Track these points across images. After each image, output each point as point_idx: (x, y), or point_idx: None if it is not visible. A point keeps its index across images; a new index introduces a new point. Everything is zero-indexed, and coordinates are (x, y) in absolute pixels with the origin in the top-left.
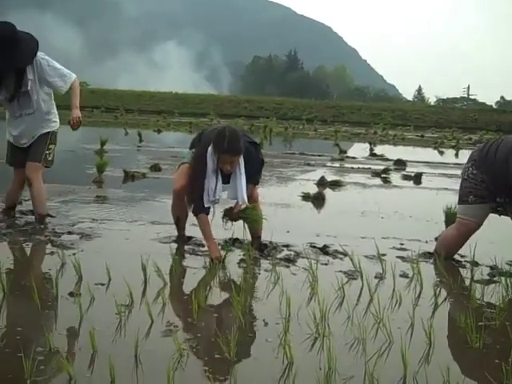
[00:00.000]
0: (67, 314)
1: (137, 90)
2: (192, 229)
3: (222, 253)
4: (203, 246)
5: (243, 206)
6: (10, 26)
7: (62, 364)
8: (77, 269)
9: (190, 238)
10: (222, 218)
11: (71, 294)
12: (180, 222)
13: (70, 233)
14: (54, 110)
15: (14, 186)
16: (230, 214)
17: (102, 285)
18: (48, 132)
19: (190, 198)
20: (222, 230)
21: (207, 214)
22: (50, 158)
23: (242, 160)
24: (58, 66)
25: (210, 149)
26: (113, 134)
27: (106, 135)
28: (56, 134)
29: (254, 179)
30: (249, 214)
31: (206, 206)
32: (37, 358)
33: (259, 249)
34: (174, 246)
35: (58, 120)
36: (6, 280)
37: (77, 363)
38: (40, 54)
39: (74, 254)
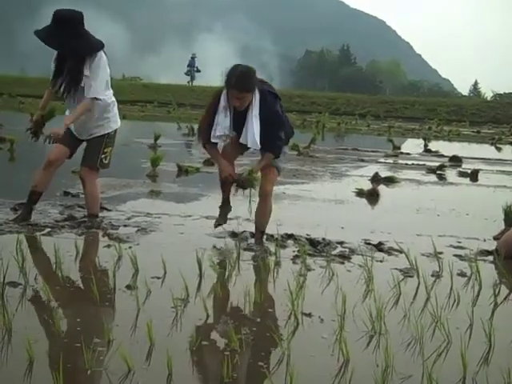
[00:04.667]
0: (124, 306)
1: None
2: (246, 224)
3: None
4: (263, 243)
5: (246, 172)
6: (80, 13)
7: (121, 355)
8: (133, 262)
9: (230, 206)
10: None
11: (128, 287)
12: (226, 185)
13: (125, 226)
14: (113, 111)
15: (46, 170)
16: (239, 181)
17: (158, 278)
18: (104, 134)
19: (199, 131)
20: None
21: (215, 148)
22: (106, 162)
23: (256, 103)
24: (100, 74)
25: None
26: (166, 129)
27: (159, 129)
28: (113, 135)
29: (271, 144)
30: (254, 178)
31: (212, 140)
32: (96, 348)
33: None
34: (230, 240)
35: (117, 120)
36: (65, 272)
37: (135, 355)
38: (101, 54)
39: (130, 248)
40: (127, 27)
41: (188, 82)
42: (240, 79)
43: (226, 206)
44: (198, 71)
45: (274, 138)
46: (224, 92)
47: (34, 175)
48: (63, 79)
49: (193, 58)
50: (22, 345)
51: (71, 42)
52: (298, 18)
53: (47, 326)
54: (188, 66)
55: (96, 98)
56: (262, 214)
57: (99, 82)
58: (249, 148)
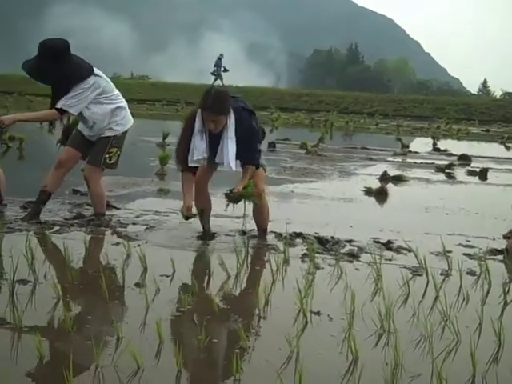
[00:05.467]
0: (134, 304)
1: (197, 83)
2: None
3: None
4: (267, 240)
5: (241, 186)
6: (63, 42)
7: (130, 353)
8: (142, 260)
9: (214, 234)
10: (225, 198)
11: (137, 285)
12: (204, 215)
13: (134, 224)
14: (121, 115)
15: (57, 171)
16: (230, 196)
17: (167, 276)
18: (109, 136)
19: (176, 155)
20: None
21: (192, 171)
22: (110, 162)
23: (231, 124)
24: (77, 92)
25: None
26: (174, 127)
27: (168, 128)
28: (120, 137)
29: (250, 157)
30: (250, 191)
31: (190, 165)
32: (106, 346)
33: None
34: (238, 239)
35: (126, 123)
36: (74, 270)
37: (144, 352)
38: (87, 81)
39: (138, 246)
40: (133, 26)
41: (212, 84)
42: (215, 102)
43: (207, 236)
44: (226, 70)
45: (252, 151)
46: (198, 114)
47: (46, 176)
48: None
49: (219, 59)
50: (32, 342)
51: (57, 75)
52: (306, 15)
53: (57, 323)
54: (215, 66)
55: (61, 110)
56: (260, 213)
57: (71, 97)
58: (217, 166)
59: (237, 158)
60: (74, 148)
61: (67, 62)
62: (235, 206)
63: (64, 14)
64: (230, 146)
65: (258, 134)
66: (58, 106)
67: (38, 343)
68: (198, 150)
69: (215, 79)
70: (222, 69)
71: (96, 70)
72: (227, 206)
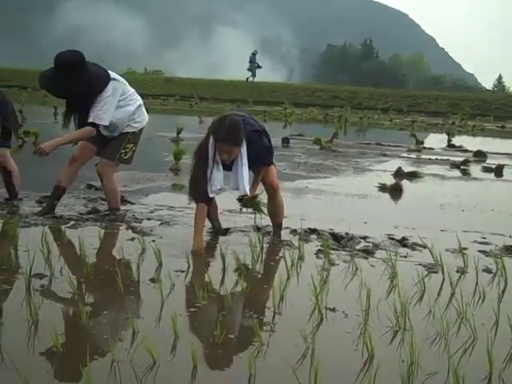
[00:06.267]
0: (149, 299)
1: (210, 78)
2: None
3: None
4: (281, 236)
5: (254, 191)
6: (78, 55)
7: (146, 348)
8: (157, 255)
9: (227, 229)
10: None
11: (152, 280)
12: (210, 213)
13: (149, 219)
14: (138, 113)
15: (71, 166)
16: (243, 201)
17: (182, 272)
18: (127, 132)
19: (194, 188)
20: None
21: (207, 203)
22: (125, 157)
23: (244, 150)
24: (105, 102)
25: (211, 138)
26: (188, 122)
27: (182, 123)
28: (137, 133)
29: (263, 162)
30: (259, 203)
31: (210, 195)
32: (122, 340)
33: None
34: (253, 234)
35: (141, 120)
36: (90, 264)
37: (160, 347)
38: (110, 86)
39: (153, 241)
40: (146, 21)
41: (247, 79)
42: (230, 132)
43: (219, 231)
44: (259, 67)
45: (265, 160)
46: (211, 144)
47: (60, 171)
48: (74, 115)
49: (254, 54)
50: (49, 336)
51: (75, 88)
52: (319, 10)
53: (73, 317)
54: (249, 62)
55: (94, 124)
56: (276, 209)
57: (99, 109)
58: None
59: (250, 168)
60: (89, 142)
61: (84, 73)
62: (248, 210)
63: (76, 10)
64: (244, 173)
65: (269, 149)
66: (90, 120)
67: (55, 337)
68: (217, 179)
69: (252, 75)
70: (256, 65)
71: (112, 74)
72: (241, 209)
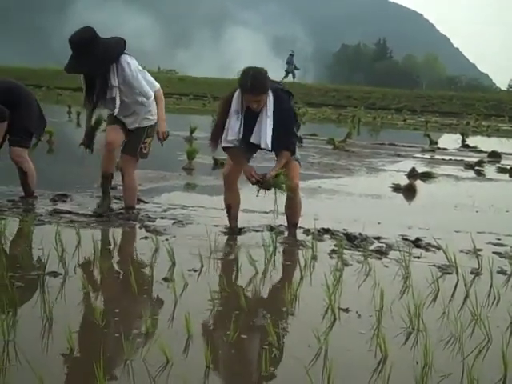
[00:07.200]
0: (162, 298)
1: (222, 77)
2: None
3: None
4: (296, 236)
5: (274, 173)
6: (89, 30)
7: (159, 347)
8: (170, 254)
9: (241, 229)
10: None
11: (165, 279)
12: (232, 210)
13: (162, 218)
14: (151, 107)
15: (110, 153)
16: (262, 182)
17: (195, 271)
18: (146, 126)
19: (211, 135)
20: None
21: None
22: (145, 151)
23: (270, 103)
24: (142, 70)
25: (238, 90)
26: (201, 122)
27: (195, 122)
28: (154, 126)
29: (286, 141)
30: (282, 182)
31: (223, 144)
32: (135, 339)
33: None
34: (266, 234)
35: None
36: (103, 263)
37: (173, 346)
38: (125, 58)
39: (166, 240)
40: (157, 21)
41: (284, 78)
42: (255, 82)
43: (234, 231)
44: (297, 69)
45: (289, 134)
46: (236, 95)
47: (101, 160)
48: (96, 94)
49: (291, 55)
50: (63, 334)
51: (95, 60)
52: (333, 9)
53: (87, 315)
54: (286, 63)
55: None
56: (293, 208)
57: (145, 72)
58: (257, 150)
59: (272, 145)
60: (117, 124)
61: (97, 47)
62: (266, 192)
63: (87, 9)
64: (268, 125)
65: (295, 117)
66: (155, 89)
67: (69, 336)
68: (233, 130)
69: (285, 76)
70: (294, 66)
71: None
72: (258, 191)
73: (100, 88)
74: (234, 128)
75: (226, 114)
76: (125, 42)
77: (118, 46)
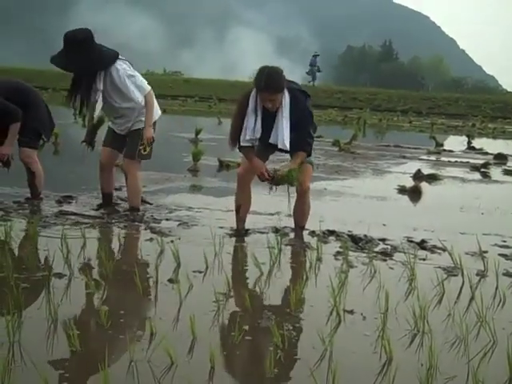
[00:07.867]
0: (167, 299)
1: (226, 78)
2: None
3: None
4: (303, 238)
5: (287, 169)
6: (85, 31)
7: (164, 348)
8: (175, 256)
9: (247, 231)
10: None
11: (170, 281)
12: (241, 211)
13: (167, 220)
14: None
15: (103, 172)
16: (273, 178)
17: (200, 272)
18: (140, 128)
19: (230, 135)
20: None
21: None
22: (144, 153)
23: (286, 103)
24: (134, 74)
25: (254, 89)
26: (207, 123)
27: (200, 124)
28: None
29: (302, 142)
30: (294, 175)
31: (242, 144)
32: (140, 340)
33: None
34: (272, 236)
35: (155, 114)
36: (108, 264)
37: (177, 348)
38: (115, 64)
39: (172, 241)
40: (160, 21)
41: (309, 82)
42: (269, 81)
43: (240, 232)
44: (319, 71)
45: (306, 135)
46: (252, 94)
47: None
48: (80, 94)
49: (315, 57)
50: (68, 335)
51: (85, 63)
52: (338, 10)
53: (91, 317)
54: (310, 65)
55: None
56: (302, 211)
57: (137, 74)
58: (275, 151)
59: (289, 146)
60: (109, 147)
61: (93, 49)
62: (276, 188)
63: (90, 11)
64: (285, 126)
65: (311, 117)
66: (145, 92)
67: (73, 337)
68: (251, 129)
69: (312, 79)
70: (317, 68)
71: (120, 57)
72: (270, 188)
73: (84, 89)
74: (251, 127)
75: (243, 114)
76: (118, 54)
77: (111, 57)
